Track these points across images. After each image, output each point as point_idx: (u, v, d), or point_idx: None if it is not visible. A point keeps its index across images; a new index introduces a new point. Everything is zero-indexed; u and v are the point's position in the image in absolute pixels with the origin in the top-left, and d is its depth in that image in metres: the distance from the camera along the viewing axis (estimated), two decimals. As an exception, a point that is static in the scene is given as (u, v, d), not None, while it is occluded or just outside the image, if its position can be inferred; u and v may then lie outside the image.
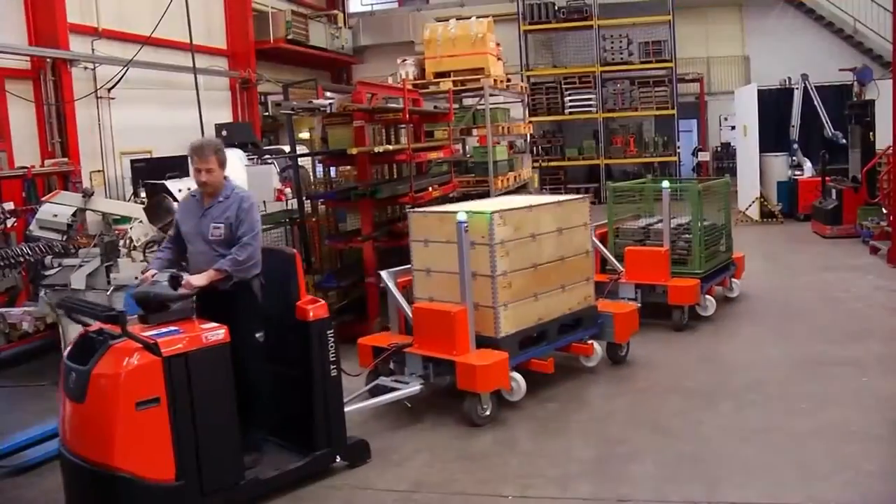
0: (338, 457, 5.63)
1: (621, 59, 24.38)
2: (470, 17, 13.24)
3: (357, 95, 8.84)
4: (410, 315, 7.08)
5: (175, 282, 4.97)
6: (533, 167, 16.21)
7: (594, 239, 9.18)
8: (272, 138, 21.93)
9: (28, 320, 9.04)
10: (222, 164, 5.43)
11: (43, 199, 9.38)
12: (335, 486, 5.54)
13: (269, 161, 14.63)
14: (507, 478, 5.58)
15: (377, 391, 6.74)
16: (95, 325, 4.96)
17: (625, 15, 24.00)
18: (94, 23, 15.69)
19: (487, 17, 13.34)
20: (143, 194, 11.74)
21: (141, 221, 8.40)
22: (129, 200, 11.68)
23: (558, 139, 25.45)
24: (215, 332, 4.87)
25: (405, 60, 12.80)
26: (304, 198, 10.12)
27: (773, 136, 18.35)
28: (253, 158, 14.82)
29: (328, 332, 5.45)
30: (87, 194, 8.88)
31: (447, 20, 13.35)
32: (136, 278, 5.58)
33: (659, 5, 23.82)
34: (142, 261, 8.32)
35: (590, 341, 7.72)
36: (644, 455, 5.82)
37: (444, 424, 6.63)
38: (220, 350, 4.86)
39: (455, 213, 6.73)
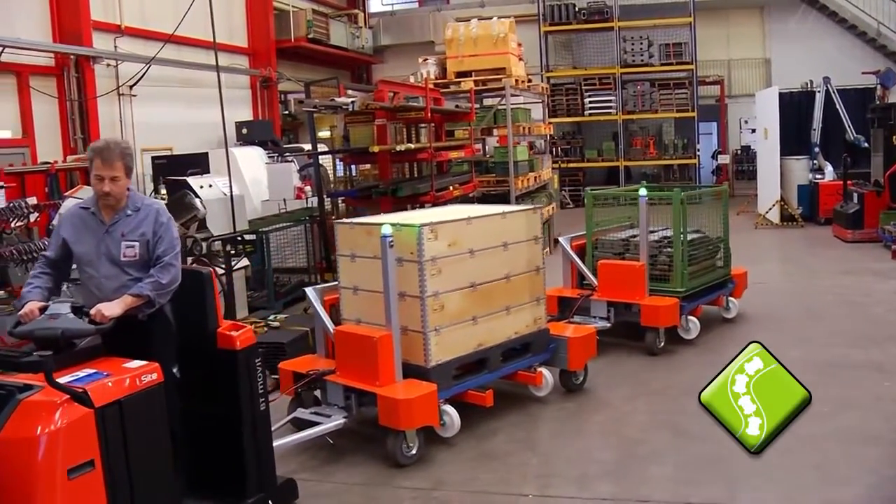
0: (270, 501, 4.85)
1: (642, 60, 24.29)
2: (491, 18, 13.25)
3: (379, 94, 8.87)
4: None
5: (79, 313, 4.12)
6: (553, 168, 16.14)
7: (570, 251, 8.84)
8: (291, 137, 22.03)
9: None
10: (129, 171, 4.52)
11: (66, 193, 9.46)
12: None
13: (290, 159, 14.74)
14: None
15: (297, 423, 6.19)
16: None
17: (646, 16, 23.94)
18: (117, 20, 15.83)
19: (508, 17, 13.36)
20: (163, 191, 11.85)
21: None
22: (150, 196, 11.74)
23: (578, 141, 25.42)
24: (147, 372, 4.03)
25: (426, 60, 12.82)
26: (324, 195, 10.18)
27: (794, 140, 18.25)
28: (273, 157, 14.94)
29: (256, 361, 4.70)
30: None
31: (468, 20, 13.38)
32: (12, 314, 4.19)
33: (680, 7, 23.75)
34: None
35: (539, 369, 6.93)
36: (664, 456, 5.81)
37: (368, 463, 5.95)
38: (155, 393, 4.05)
39: (381, 224, 6.04)
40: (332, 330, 6.47)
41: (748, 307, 9.92)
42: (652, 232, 8.76)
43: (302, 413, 6.23)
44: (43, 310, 4.07)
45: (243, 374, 4.61)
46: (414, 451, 5.84)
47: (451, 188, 9.89)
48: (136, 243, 4.51)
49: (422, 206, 9.40)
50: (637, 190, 8.72)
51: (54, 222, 5.02)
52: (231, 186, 9.45)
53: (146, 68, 15.60)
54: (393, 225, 6.02)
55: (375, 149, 8.56)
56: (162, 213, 4.62)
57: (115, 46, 15.68)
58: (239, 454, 4.64)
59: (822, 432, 6.10)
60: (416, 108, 9.28)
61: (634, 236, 8.81)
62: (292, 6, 21.39)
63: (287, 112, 22.63)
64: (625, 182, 23.55)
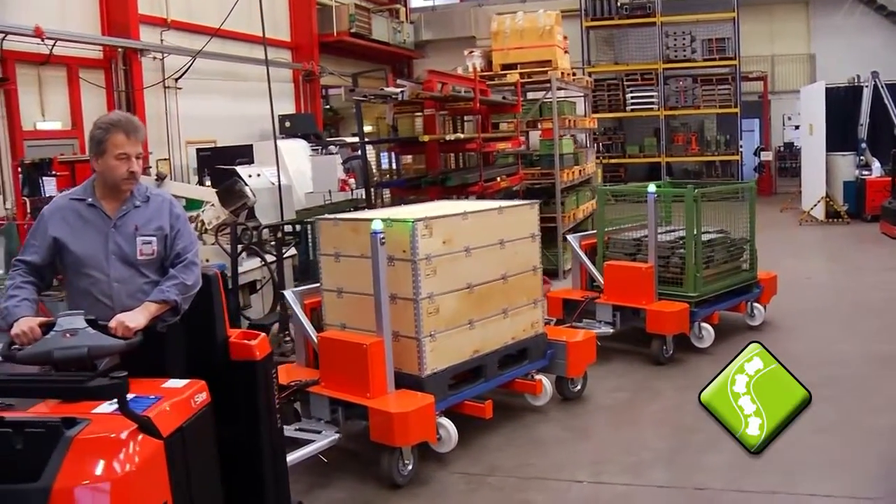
0: None
1: (684, 56, 24.15)
2: (536, 11, 13.22)
3: (428, 84, 8.89)
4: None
5: (95, 327, 3.41)
6: (596, 163, 16.09)
7: (579, 251, 8.42)
8: (332, 131, 22.15)
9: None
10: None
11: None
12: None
13: (334, 152, 14.83)
14: None
15: None
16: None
17: (688, 11, 23.76)
18: (163, 14, 15.99)
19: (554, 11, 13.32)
20: (207, 182, 11.97)
21: (213, 205, 8.53)
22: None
23: (619, 136, 25.31)
24: (197, 392, 3.42)
25: (472, 52, 12.83)
26: (371, 187, 10.21)
27: (840, 135, 18.01)
28: (317, 149, 15.03)
29: (273, 371, 4.07)
30: (161, 178, 9.04)
31: (513, 13, 13.35)
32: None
33: (723, 2, 23.56)
34: (213, 244, 8.47)
35: (538, 376, 6.46)
36: (719, 445, 5.78)
37: (361, 483, 5.43)
38: (207, 415, 3.47)
39: (370, 220, 5.52)
40: (314, 337, 5.94)
41: (792, 302, 9.73)
42: (668, 232, 8.36)
43: (286, 430, 4.96)
44: (45, 326, 3.41)
45: (262, 387, 3.94)
46: (410, 468, 5.31)
47: (498, 179, 9.88)
48: (154, 238, 3.84)
49: (466, 197, 9.42)
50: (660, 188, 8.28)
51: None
52: (279, 176, 9.52)
53: (192, 61, 15.76)
54: (383, 220, 5.50)
55: (425, 138, 8.59)
56: (175, 203, 4.01)
57: (161, 40, 15.85)
58: (258, 479, 3.91)
59: (881, 424, 6.05)
60: (465, 98, 9.29)
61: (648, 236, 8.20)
62: (335, 0, 21.50)
63: (328, 107, 22.78)
64: (667, 178, 23.43)
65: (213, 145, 16.35)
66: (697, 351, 7.84)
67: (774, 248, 13.85)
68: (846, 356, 7.80)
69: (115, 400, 2.99)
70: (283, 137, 16.27)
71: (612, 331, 7.90)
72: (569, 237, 8.84)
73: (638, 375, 7.48)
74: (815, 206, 17.66)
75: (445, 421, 5.55)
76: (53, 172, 9.93)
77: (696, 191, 8.06)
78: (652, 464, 5.58)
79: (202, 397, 3.43)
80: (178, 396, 3.31)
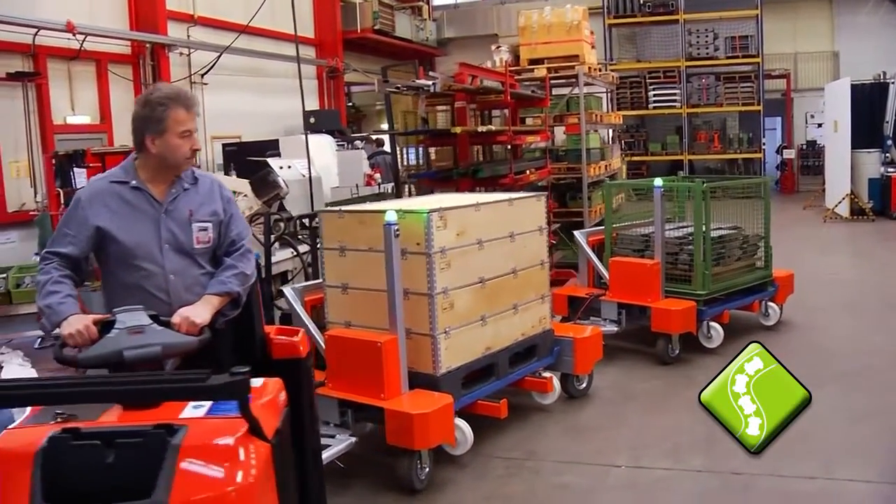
0: None
1: (707, 53, 24.10)
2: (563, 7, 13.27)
3: (459, 76, 8.96)
4: (322, 345, 5.53)
5: (159, 324, 3.13)
6: (622, 158, 16.12)
7: (585, 246, 8.23)
8: (354, 128, 22.24)
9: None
10: None
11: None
12: None
13: (360, 147, 14.93)
14: None
15: None
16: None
17: (711, 9, 23.69)
18: (190, 10, 16.10)
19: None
20: (233, 176, 12.03)
21: (245, 195, 8.60)
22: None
23: (641, 134, 25.27)
24: (279, 390, 3.09)
25: (499, 47, 12.91)
26: (400, 179, 10.28)
27: (865, 133, 17.94)
28: (342, 145, 15.14)
29: (312, 371, 3.72)
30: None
31: (540, 10, 13.40)
32: (47, 336, 3.21)
33: (747, 0, 23.49)
34: (248, 234, 8.53)
35: (546, 374, 6.28)
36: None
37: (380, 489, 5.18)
38: (288, 416, 3.13)
39: (381, 212, 5.22)
40: (318, 336, 5.64)
41: (820, 298, 9.71)
42: (679, 228, 8.10)
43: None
44: (99, 324, 3.09)
45: (307, 386, 3.54)
46: (427, 472, 5.07)
47: (528, 172, 9.93)
48: (209, 224, 3.51)
49: (495, 190, 9.44)
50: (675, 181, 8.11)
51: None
52: (310, 168, 9.59)
53: (218, 57, 15.86)
54: (396, 212, 5.21)
55: (457, 129, 8.65)
56: (224, 185, 3.70)
57: (188, 36, 15.97)
58: (302, 485, 3.35)
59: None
60: (496, 91, 9.35)
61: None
62: (359, -2, 21.60)
63: (350, 104, 22.87)
64: (680, 173, 23.41)
65: (238, 140, 16.45)
66: (706, 351, 7.60)
67: (799, 245, 13.88)
68: (878, 348, 7.79)
69: (231, 400, 2.63)
70: (307, 133, 16.41)
71: (617, 329, 7.71)
72: (576, 233, 8.63)
73: (641, 374, 7.27)
74: (840, 203, 17.59)
75: (461, 422, 5.32)
76: (87, 164, 10.02)
77: (704, 185, 7.84)
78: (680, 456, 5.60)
79: (283, 396, 3.10)
80: (267, 396, 2.96)
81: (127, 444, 2.52)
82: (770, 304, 8.47)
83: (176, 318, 3.20)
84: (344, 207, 6.23)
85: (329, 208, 6.26)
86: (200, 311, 3.27)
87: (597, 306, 7.83)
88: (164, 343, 3.02)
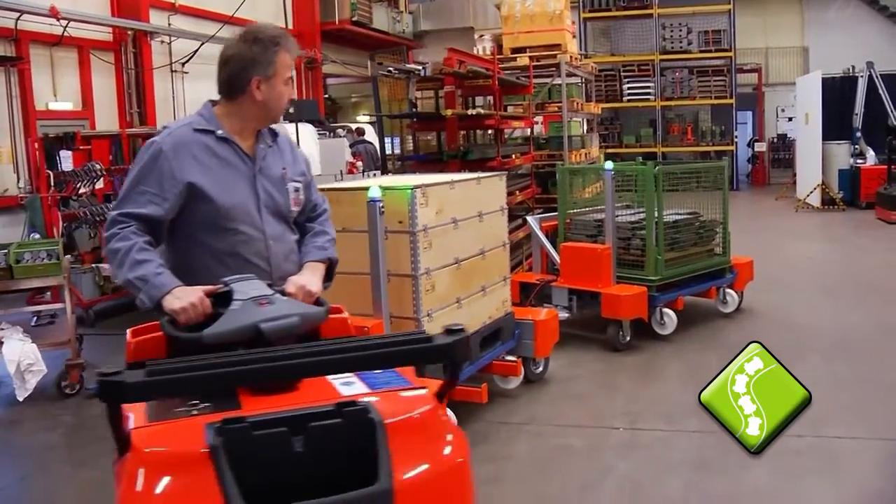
0: None
1: (680, 47, 24.45)
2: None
3: (448, 61, 9.11)
4: None
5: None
6: (600, 148, 16.35)
7: (538, 232, 8.12)
8: (332, 120, 22.31)
9: (121, 274, 9.47)
10: None
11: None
12: None
13: (342, 136, 15.03)
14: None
15: None
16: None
17: (685, 3, 24.03)
18: (170, -2, 16.13)
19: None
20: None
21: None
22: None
23: (616, 126, 25.55)
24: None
25: (482, 36, 13.08)
26: (386, 163, 10.42)
27: (835, 125, 18.36)
28: (324, 134, 15.23)
29: None
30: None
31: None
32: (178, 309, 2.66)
33: (719, -6, 23.89)
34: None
35: (510, 357, 6.13)
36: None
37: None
38: None
39: (361, 189, 4.93)
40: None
41: (797, 281, 9.96)
42: (637, 213, 7.87)
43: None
44: (213, 295, 2.70)
45: None
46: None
47: (513, 156, 10.12)
48: (301, 185, 3.13)
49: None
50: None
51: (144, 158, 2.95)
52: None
53: (200, 45, 15.89)
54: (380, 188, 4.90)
55: (448, 112, 8.80)
56: (294, 142, 3.34)
57: (169, 23, 15.97)
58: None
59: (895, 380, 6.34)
60: (486, 76, 9.52)
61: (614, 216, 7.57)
62: (336, -11, 21.65)
63: (327, 96, 22.91)
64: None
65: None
66: (660, 338, 7.51)
67: (773, 234, 14.24)
68: (856, 325, 8.05)
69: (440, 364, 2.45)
70: (286, 123, 16.49)
71: (568, 315, 7.47)
72: (528, 218, 8.52)
73: (589, 361, 7.15)
74: (811, 193, 17.97)
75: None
76: (77, 146, 10.08)
77: (657, 168, 7.62)
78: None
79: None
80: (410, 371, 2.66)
81: (319, 428, 2.20)
82: (728, 290, 8.32)
83: (291, 288, 2.82)
84: (321, 186, 5.80)
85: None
86: (314, 280, 2.94)
87: (548, 292, 7.68)
88: (300, 314, 2.63)
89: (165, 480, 2.07)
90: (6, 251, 6.66)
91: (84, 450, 5.56)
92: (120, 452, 2.20)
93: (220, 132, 2.95)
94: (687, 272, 7.84)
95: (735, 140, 24.47)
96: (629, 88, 24.46)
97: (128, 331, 2.88)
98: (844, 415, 5.55)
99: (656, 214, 7.54)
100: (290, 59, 2.98)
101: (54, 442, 5.78)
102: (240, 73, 2.94)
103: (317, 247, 3.11)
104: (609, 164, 7.47)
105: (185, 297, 2.66)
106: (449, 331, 2.33)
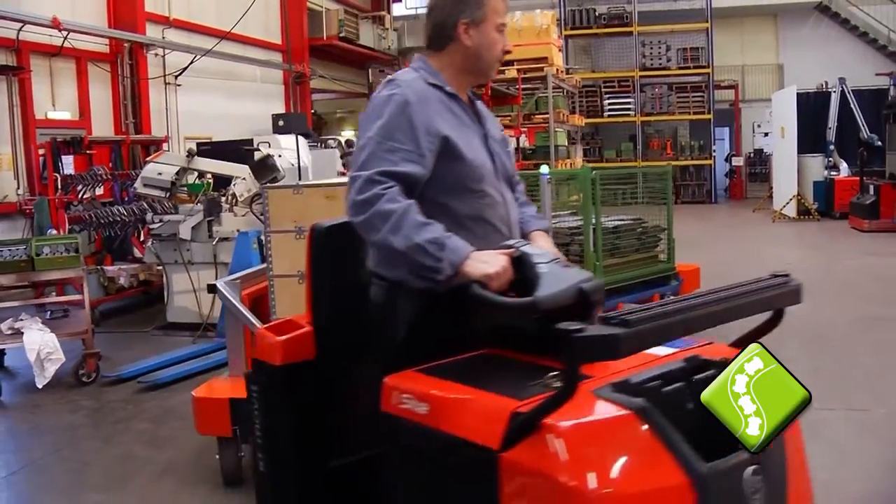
0: None
1: (659, 64, 25.13)
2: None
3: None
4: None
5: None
6: (584, 160, 16.84)
7: None
8: (318, 134, 22.66)
9: (124, 275, 9.81)
10: None
11: (147, 158, 10.07)
12: None
13: (333, 146, 15.43)
14: None
15: None
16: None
17: (664, 21, 24.70)
18: (166, 12, 16.44)
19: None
20: (208, 176, 12.39)
21: (244, 178, 9.03)
22: (195, 181, 12.07)
23: (597, 141, 26.10)
24: None
25: (470, 49, 13.47)
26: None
27: (809, 138, 18.95)
28: (315, 144, 15.62)
29: None
30: (191, 154, 9.57)
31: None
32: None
33: (697, 13, 24.57)
34: (243, 215, 8.97)
35: None
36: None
37: None
38: None
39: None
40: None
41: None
42: (579, 218, 7.52)
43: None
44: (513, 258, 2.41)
45: None
46: None
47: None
48: (511, 151, 2.94)
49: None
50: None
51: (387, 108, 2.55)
52: (299, 156, 10.04)
53: (196, 58, 16.25)
54: None
55: (442, 118, 9.15)
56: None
57: (164, 37, 16.32)
58: None
59: (868, 361, 6.85)
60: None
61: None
62: (325, 6, 22.06)
63: (314, 111, 23.28)
64: (642, 183, 24.27)
65: (210, 140, 16.81)
66: None
67: (751, 242, 14.73)
68: (832, 319, 8.46)
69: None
70: (279, 134, 16.86)
71: None
72: None
73: None
74: (787, 204, 18.51)
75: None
76: (85, 150, 10.40)
77: (593, 172, 7.39)
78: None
79: None
80: None
81: (701, 383, 2.08)
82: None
83: (555, 252, 2.60)
84: (301, 183, 5.89)
85: (276, 185, 5.82)
86: (554, 248, 2.72)
87: None
88: (597, 278, 2.46)
89: (604, 451, 1.90)
90: (26, 245, 6.97)
91: (109, 429, 5.87)
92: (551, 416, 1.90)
93: (448, 88, 2.65)
94: (628, 278, 7.49)
95: (713, 155, 25.06)
96: (610, 104, 25.06)
97: (260, 327, 2.88)
98: (818, 390, 5.92)
99: (594, 220, 7.22)
100: (502, 5, 2.71)
101: (79, 423, 6.06)
102: (445, 18, 2.68)
103: (537, 217, 2.93)
104: (545, 168, 7.08)
105: (494, 262, 2.37)
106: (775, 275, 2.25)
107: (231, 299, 4.54)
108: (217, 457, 4.64)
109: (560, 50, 14.15)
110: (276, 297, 4.98)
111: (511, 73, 12.41)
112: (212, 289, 4.34)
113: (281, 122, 18.26)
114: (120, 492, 4.71)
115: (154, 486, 4.77)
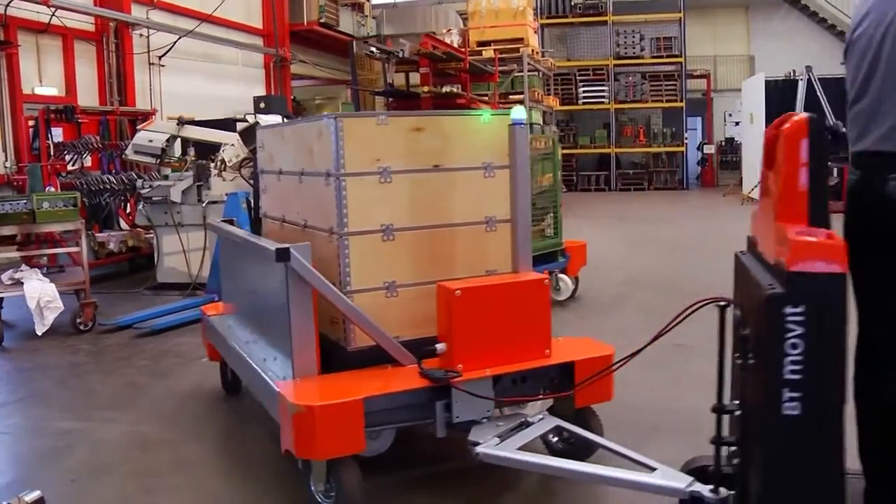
0: None
1: (633, 53, 25.62)
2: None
3: (423, 44, 9.93)
4: None
5: None
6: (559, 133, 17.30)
7: None
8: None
9: (114, 241, 10.14)
10: None
11: (139, 126, 10.40)
12: None
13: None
14: None
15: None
16: None
17: (638, 11, 25.23)
18: (150, -7, 16.77)
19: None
20: (191, 153, 12.70)
21: (233, 145, 9.38)
22: (178, 159, 12.35)
23: (571, 128, 26.57)
24: None
25: (450, 30, 13.90)
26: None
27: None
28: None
29: None
30: (181, 122, 9.92)
31: (464, 13, 14.43)
32: None
33: (670, 4, 25.06)
34: (231, 179, 9.31)
35: None
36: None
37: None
38: None
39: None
40: None
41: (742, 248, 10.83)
42: None
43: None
44: None
45: None
46: None
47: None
48: None
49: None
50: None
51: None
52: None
53: (179, 38, 16.56)
54: None
55: (424, 89, 9.60)
56: None
57: (148, 17, 16.60)
58: None
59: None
60: (459, 59, 10.35)
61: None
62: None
63: (293, 98, 23.61)
64: (615, 168, 24.94)
65: (193, 120, 17.10)
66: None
67: (721, 220, 15.32)
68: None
69: None
70: (264, 115, 17.18)
71: None
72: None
73: None
74: (755, 187, 19.00)
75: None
76: (76, 118, 10.71)
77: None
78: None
79: None
80: None
81: None
82: (561, 276, 7.68)
83: None
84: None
85: (354, 114, 5.61)
86: None
87: None
88: None
89: None
90: (27, 199, 7.30)
91: (111, 365, 6.23)
92: None
93: None
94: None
95: (685, 142, 25.62)
96: (584, 92, 25.52)
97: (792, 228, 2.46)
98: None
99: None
100: None
101: (80, 361, 6.41)
102: None
103: None
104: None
105: None
106: None
107: (308, 266, 3.53)
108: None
109: (536, 32, 14.56)
110: (352, 262, 3.76)
111: (488, 52, 12.81)
112: (282, 255, 3.44)
113: (262, 104, 18.66)
114: (127, 410, 5.10)
115: (159, 405, 5.17)
